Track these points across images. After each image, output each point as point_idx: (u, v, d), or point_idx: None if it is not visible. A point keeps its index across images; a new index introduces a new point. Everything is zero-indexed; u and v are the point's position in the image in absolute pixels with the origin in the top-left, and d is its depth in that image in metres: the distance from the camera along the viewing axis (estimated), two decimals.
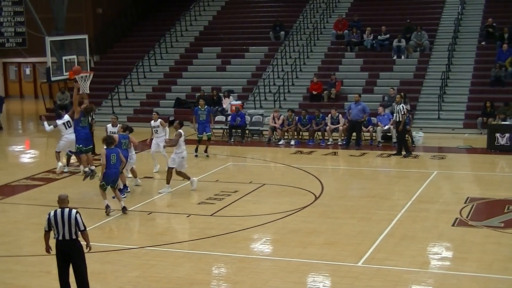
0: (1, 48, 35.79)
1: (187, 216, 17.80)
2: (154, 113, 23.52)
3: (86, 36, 27.70)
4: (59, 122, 22.22)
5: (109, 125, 21.86)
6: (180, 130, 19.76)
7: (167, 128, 22.68)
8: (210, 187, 20.44)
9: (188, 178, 20.13)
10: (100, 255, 14.55)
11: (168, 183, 19.90)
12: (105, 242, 15.64)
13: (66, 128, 22.06)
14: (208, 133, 25.19)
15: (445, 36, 34.87)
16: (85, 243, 12.02)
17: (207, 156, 24.75)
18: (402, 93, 29.16)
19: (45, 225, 11.98)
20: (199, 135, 25.17)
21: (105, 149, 17.89)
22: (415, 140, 26.72)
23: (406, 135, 25.28)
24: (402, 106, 24.77)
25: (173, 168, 19.80)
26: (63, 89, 35.60)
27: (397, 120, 24.70)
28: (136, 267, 14.07)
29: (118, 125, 20.91)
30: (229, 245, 15.32)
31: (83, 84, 26.85)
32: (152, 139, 22.61)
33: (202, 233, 16.37)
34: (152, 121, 22.67)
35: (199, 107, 25.68)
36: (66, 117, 22.23)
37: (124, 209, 17.73)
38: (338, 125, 27.18)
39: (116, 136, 19.45)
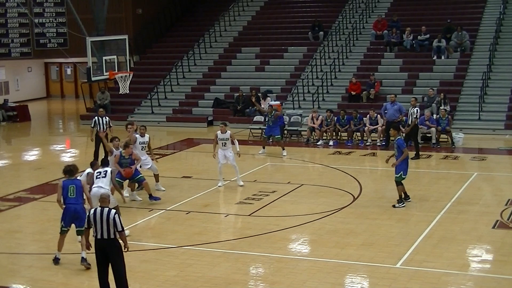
0: (43, 49, 36.22)
1: (225, 216, 17.88)
2: (221, 124, 21.01)
3: (126, 37, 27.87)
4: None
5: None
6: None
7: (236, 141, 20.93)
8: (248, 187, 20.45)
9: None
10: (139, 254, 14.66)
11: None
12: (144, 241, 15.74)
13: None
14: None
15: (486, 36, 34.50)
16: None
17: None
18: (442, 94, 29.06)
19: (85, 222, 12.16)
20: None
21: (63, 180, 14.76)
22: (455, 141, 26.48)
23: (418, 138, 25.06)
24: (417, 109, 24.57)
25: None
26: (103, 89, 35.96)
27: (409, 123, 24.52)
28: (173, 266, 14.13)
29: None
30: (267, 245, 15.32)
31: (123, 84, 27.09)
32: (216, 150, 20.67)
33: (239, 233, 16.41)
34: (219, 132, 20.53)
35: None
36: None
37: (83, 260, 14.12)
38: (377, 126, 27.04)
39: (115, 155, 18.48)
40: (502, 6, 36.17)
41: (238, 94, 32.90)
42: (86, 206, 14.78)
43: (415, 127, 24.62)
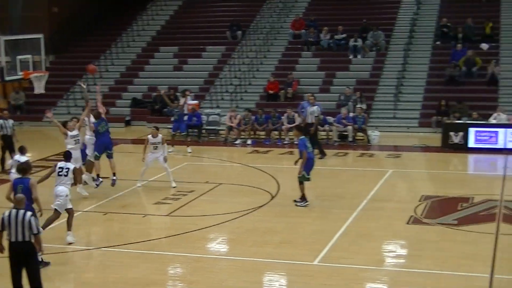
0: None
1: (143, 216, 17.73)
2: (153, 127, 20.69)
3: (41, 36, 27.37)
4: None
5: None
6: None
7: (165, 145, 20.82)
8: (166, 187, 20.34)
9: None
10: (55, 257, 14.38)
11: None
12: (60, 243, 15.49)
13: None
14: None
15: (401, 35, 35.24)
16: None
17: None
18: (358, 92, 29.54)
19: None
20: None
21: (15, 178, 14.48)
22: (371, 139, 26.95)
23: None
24: (316, 107, 24.62)
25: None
26: (18, 89, 35.21)
27: (310, 121, 24.35)
28: (91, 268, 13.98)
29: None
30: (185, 245, 15.29)
31: (39, 84, 26.60)
32: (146, 154, 20.46)
33: (158, 233, 16.33)
34: (150, 136, 20.29)
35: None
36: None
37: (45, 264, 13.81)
38: (294, 124, 27.23)
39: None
40: (415, 7, 36.98)
41: (156, 93, 32.71)
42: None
43: (316, 126, 24.71)
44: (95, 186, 19.70)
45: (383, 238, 15.61)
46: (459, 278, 13.17)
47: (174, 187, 20.27)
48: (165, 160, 20.42)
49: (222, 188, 20.38)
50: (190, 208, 18.20)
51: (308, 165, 18.00)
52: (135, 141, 28.72)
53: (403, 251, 15.10)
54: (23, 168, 14.20)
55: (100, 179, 19.73)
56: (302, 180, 18.06)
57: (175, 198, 19.21)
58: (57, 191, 15.28)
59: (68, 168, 15.46)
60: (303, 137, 18.32)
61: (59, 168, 15.50)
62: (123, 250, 15.02)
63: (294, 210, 17.85)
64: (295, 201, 18.24)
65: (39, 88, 26.62)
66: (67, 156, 15.91)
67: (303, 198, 18.16)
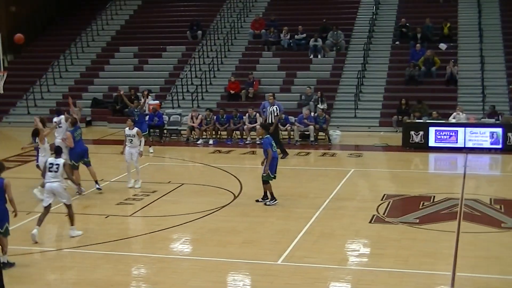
0: None
1: (106, 217, 17.60)
2: (129, 119, 20.90)
3: None
4: None
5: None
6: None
7: (142, 139, 20.81)
8: (128, 188, 20.25)
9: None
10: (18, 258, 14.23)
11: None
12: (23, 245, 15.32)
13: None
14: None
15: (360, 35, 35.51)
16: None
17: None
18: (319, 92, 29.68)
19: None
20: None
21: None
22: (332, 139, 27.09)
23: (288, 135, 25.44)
24: (276, 107, 24.55)
25: None
26: None
27: (270, 121, 24.23)
28: (54, 270, 13.84)
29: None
30: (149, 245, 15.24)
31: None
32: (125, 147, 20.34)
33: (121, 234, 16.22)
34: (127, 129, 20.25)
35: None
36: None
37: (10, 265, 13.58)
38: (256, 124, 27.30)
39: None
40: (374, 7, 37.27)
41: (116, 93, 32.53)
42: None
43: (276, 125, 24.72)
44: (78, 194, 19.18)
45: (346, 237, 15.68)
46: (421, 276, 13.30)
47: (138, 187, 20.18)
48: (141, 155, 20.44)
49: (185, 188, 20.34)
50: (153, 209, 18.14)
51: (272, 164, 18.02)
52: (96, 142, 28.53)
53: (366, 250, 15.18)
54: None
55: (83, 189, 19.40)
56: (267, 179, 18.08)
57: (137, 198, 19.14)
58: (52, 189, 15.27)
59: (58, 164, 15.42)
60: (267, 136, 18.32)
61: (49, 164, 15.50)
62: (86, 251, 14.91)
63: (257, 210, 17.88)
64: (257, 200, 18.28)
65: None
66: (57, 151, 15.86)
67: (272, 196, 18.20)
